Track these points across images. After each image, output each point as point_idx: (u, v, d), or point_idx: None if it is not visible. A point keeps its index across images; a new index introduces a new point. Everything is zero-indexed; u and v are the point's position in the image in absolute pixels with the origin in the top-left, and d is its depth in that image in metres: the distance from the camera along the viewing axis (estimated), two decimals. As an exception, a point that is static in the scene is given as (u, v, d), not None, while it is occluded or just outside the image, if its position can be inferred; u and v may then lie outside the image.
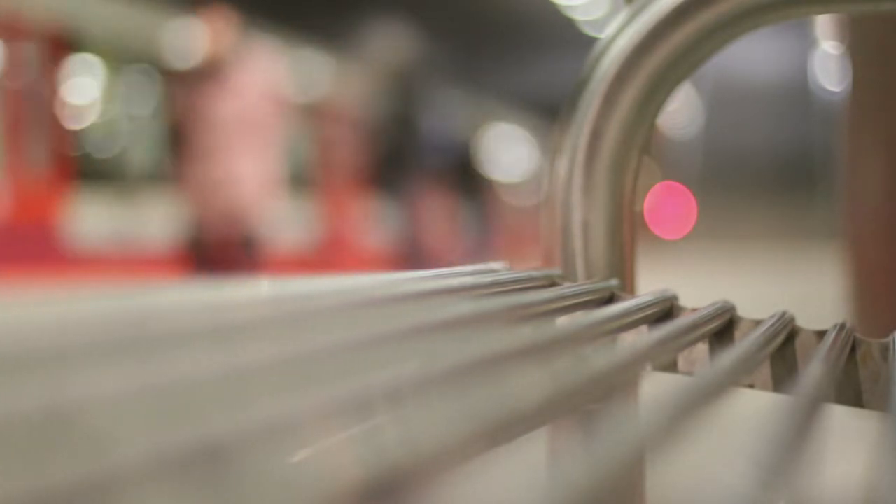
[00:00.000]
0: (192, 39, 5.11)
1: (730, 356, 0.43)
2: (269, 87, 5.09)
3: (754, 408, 0.55)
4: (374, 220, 10.12)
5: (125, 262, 7.77)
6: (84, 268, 7.41)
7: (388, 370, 0.30)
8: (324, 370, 0.29)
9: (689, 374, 0.64)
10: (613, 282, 0.69)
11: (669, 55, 0.72)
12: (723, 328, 0.63)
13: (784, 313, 0.63)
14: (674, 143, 23.00)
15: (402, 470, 0.22)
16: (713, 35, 0.72)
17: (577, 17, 17.32)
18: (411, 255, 7.10)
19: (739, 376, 0.43)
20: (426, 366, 0.31)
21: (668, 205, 22.21)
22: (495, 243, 14.44)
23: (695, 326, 0.54)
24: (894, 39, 3.27)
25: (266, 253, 5.15)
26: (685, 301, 0.65)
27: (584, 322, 0.47)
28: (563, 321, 0.53)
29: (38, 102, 7.31)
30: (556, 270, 0.68)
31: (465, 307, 0.43)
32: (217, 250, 4.89)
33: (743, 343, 0.49)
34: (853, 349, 0.62)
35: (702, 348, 0.64)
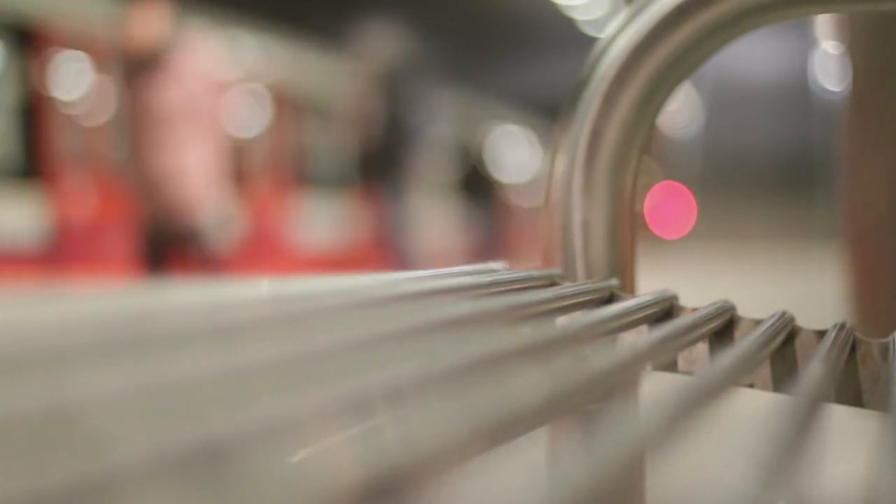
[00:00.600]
0: (129, 26, 4.69)
1: (730, 356, 0.43)
2: (213, 74, 4.81)
3: (754, 408, 0.55)
4: (308, 218, 9.80)
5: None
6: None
7: (388, 370, 0.30)
8: (324, 370, 0.29)
9: (689, 373, 0.64)
10: (613, 282, 0.69)
11: (669, 55, 0.72)
12: (723, 328, 0.63)
13: (784, 313, 0.63)
14: (674, 143, 23.00)
15: (402, 470, 0.22)
16: (713, 35, 0.72)
17: (577, 17, 17.32)
18: (400, 256, 7.08)
19: (739, 376, 0.43)
20: (426, 366, 0.31)
21: (668, 205, 22.21)
22: (505, 243, 14.46)
23: (695, 326, 0.54)
24: (894, 39, 3.27)
25: (217, 247, 4.87)
26: (685, 301, 0.65)
27: (584, 322, 0.47)
28: (563, 321, 0.53)
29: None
30: (556, 270, 0.68)
31: (465, 307, 0.43)
32: (167, 245, 4.66)
33: (743, 343, 0.49)
34: (853, 349, 0.62)
35: (702, 348, 0.64)
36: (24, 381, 0.21)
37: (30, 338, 0.23)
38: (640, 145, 0.74)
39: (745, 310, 0.65)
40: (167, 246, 4.67)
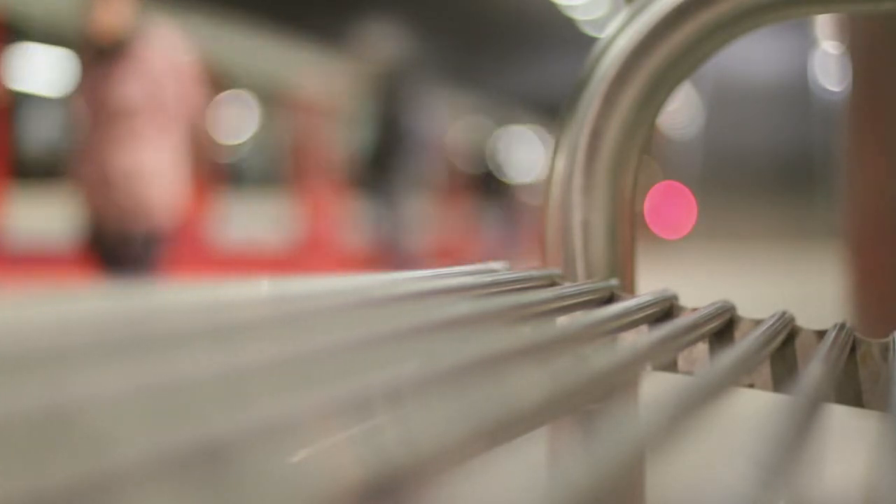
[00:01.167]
0: (90, 14, 4.26)
1: (730, 356, 0.43)
2: (180, 67, 4.35)
3: (754, 408, 0.55)
4: (232, 217, 9.22)
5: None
6: None
7: (388, 370, 0.30)
8: (324, 370, 0.29)
9: (689, 373, 0.64)
10: (613, 281, 0.69)
11: (669, 55, 0.72)
12: (723, 328, 0.63)
13: (784, 313, 0.63)
14: (674, 143, 23.00)
15: (402, 470, 0.22)
16: (713, 35, 0.72)
17: (577, 17, 17.33)
18: (393, 257, 7.06)
19: (739, 376, 0.43)
20: (426, 366, 0.31)
21: (668, 205, 22.20)
22: (518, 240, 14.50)
23: (695, 326, 0.54)
24: (894, 39, 3.28)
25: (172, 251, 4.50)
26: (685, 301, 0.65)
27: (584, 322, 0.47)
28: (563, 321, 0.53)
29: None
30: (556, 270, 0.68)
31: (465, 307, 0.43)
32: (116, 249, 4.22)
33: (743, 343, 0.49)
34: (853, 349, 0.62)
35: (702, 348, 0.64)
36: (24, 381, 0.21)
37: (30, 338, 0.23)
38: (640, 145, 0.74)
39: (746, 310, 0.65)
40: (117, 250, 4.24)
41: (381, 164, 7.10)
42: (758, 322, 0.62)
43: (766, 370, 0.64)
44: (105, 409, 0.21)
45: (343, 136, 10.89)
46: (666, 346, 0.47)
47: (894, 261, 3.29)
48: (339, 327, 0.34)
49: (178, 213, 4.41)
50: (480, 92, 15.69)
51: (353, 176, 8.87)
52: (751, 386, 0.63)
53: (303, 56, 10.89)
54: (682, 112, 22.87)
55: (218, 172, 9.08)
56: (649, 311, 0.59)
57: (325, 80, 10.63)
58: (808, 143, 20.36)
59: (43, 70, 7.19)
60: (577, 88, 0.74)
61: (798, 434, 0.31)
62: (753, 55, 20.73)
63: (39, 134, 7.06)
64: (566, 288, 0.59)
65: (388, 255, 7.07)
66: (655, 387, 0.40)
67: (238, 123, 9.65)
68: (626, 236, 0.74)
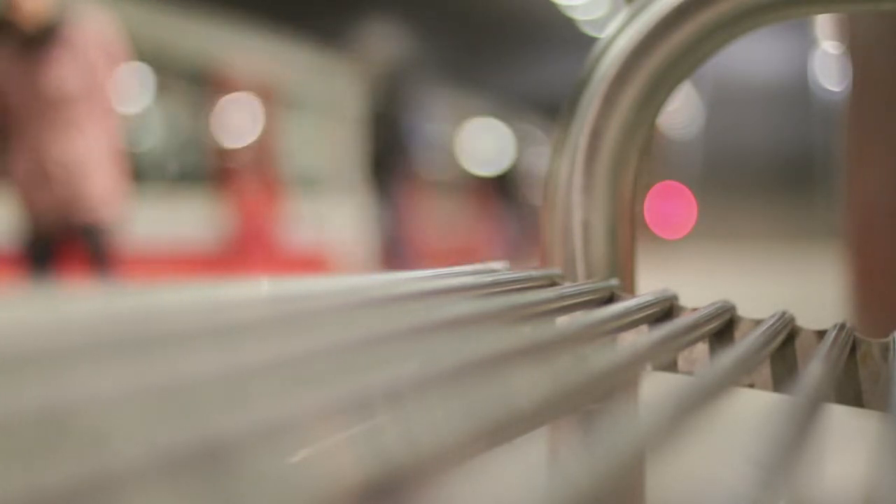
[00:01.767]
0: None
1: (730, 356, 0.43)
2: (113, 51, 4.07)
3: (754, 408, 0.55)
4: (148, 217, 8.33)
5: None
6: None
7: (388, 370, 0.30)
8: (324, 370, 0.29)
9: (689, 373, 0.64)
10: (613, 282, 0.69)
11: (669, 55, 0.72)
12: (723, 328, 0.63)
13: (784, 313, 0.63)
14: (674, 143, 23.00)
15: (402, 470, 0.22)
16: (713, 35, 0.72)
17: (577, 17, 17.33)
18: (393, 255, 7.06)
19: (739, 376, 0.43)
20: (426, 366, 0.31)
21: (668, 205, 22.21)
22: (527, 239, 14.52)
23: (695, 326, 0.54)
24: (894, 39, 3.28)
25: (118, 247, 4.18)
26: (685, 301, 0.65)
27: (584, 322, 0.47)
28: (563, 321, 0.53)
29: None
30: (556, 270, 0.68)
31: (465, 307, 0.43)
32: (55, 245, 3.99)
33: (743, 343, 0.49)
34: (853, 349, 0.62)
35: (702, 348, 0.64)
36: (23, 381, 0.21)
37: (30, 338, 0.23)
38: (640, 145, 0.74)
39: (746, 310, 0.65)
40: (55, 245, 4.00)
41: (381, 165, 7.10)
42: (758, 322, 0.62)
43: (766, 370, 0.64)
44: (105, 409, 0.21)
45: (292, 124, 10.08)
46: (666, 346, 0.47)
47: (894, 261, 3.29)
48: (339, 327, 0.34)
49: (119, 205, 4.14)
50: (484, 93, 15.70)
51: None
52: (751, 386, 0.63)
53: (238, 31, 9.61)
54: (682, 112, 22.88)
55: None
56: (649, 311, 0.59)
57: (268, 60, 9.73)
58: (808, 143, 20.36)
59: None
60: (577, 88, 0.74)
61: (798, 434, 0.31)
62: (753, 55, 20.73)
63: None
64: (566, 288, 0.59)
65: (388, 256, 7.07)
66: (655, 387, 0.40)
67: (144, 104, 8.42)
68: (626, 236, 0.74)
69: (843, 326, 0.62)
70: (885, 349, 0.62)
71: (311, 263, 9.58)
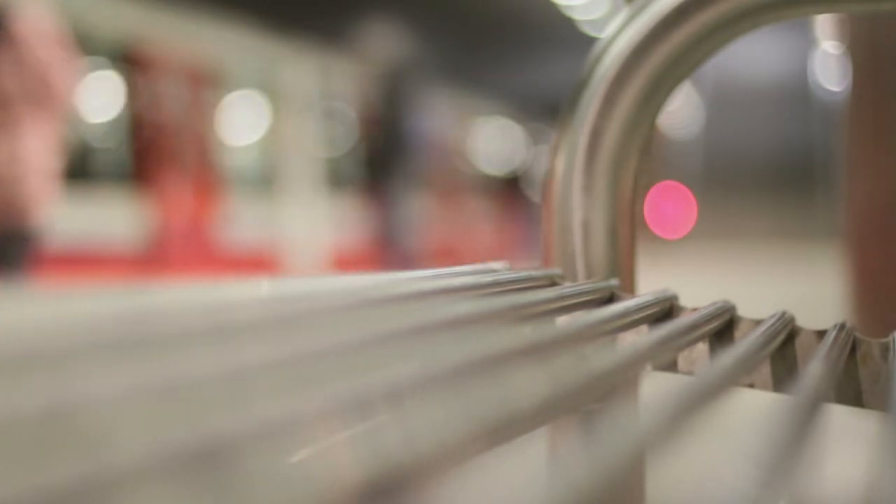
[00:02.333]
0: None
1: (730, 356, 0.43)
2: (56, 50, 3.80)
3: (754, 408, 0.55)
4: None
5: None
6: None
7: (388, 370, 0.30)
8: (324, 370, 0.29)
9: (689, 374, 0.64)
10: (613, 281, 0.69)
11: (669, 55, 0.72)
12: (723, 328, 0.63)
13: (784, 313, 0.63)
14: (674, 143, 23.00)
15: (402, 470, 0.22)
16: (713, 35, 0.72)
17: (577, 17, 17.33)
18: (392, 256, 7.06)
19: (739, 376, 0.43)
20: (426, 366, 0.31)
21: (668, 205, 22.21)
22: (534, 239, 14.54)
23: (695, 326, 0.54)
24: (894, 39, 3.28)
25: (43, 251, 3.95)
26: (685, 301, 0.65)
27: (584, 322, 0.47)
28: (563, 321, 0.53)
29: None
30: (556, 270, 0.68)
31: (465, 307, 0.43)
32: None
33: (743, 343, 0.49)
34: (853, 349, 0.62)
35: (702, 348, 0.64)
36: (24, 381, 0.21)
37: (30, 338, 0.23)
38: (640, 145, 0.74)
39: (746, 310, 0.65)
40: None
41: (381, 165, 7.10)
42: (758, 322, 0.62)
43: (766, 370, 0.64)
44: (105, 409, 0.21)
45: (237, 114, 9.04)
46: (666, 346, 0.47)
47: (894, 261, 3.29)
48: (339, 327, 0.34)
49: (48, 209, 3.87)
50: (491, 93, 15.70)
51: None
52: (751, 386, 0.63)
53: (165, 7, 8.41)
54: (682, 112, 22.88)
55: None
56: (649, 311, 0.59)
57: (207, 41, 8.70)
58: (808, 143, 20.36)
59: None
60: (577, 88, 0.74)
61: (798, 434, 0.31)
62: (753, 55, 20.73)
63: None
64: (566, 288, 0.59)
65: (389, 256, 7.07)
66: (655, 387, 0.40)
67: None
68: (626, 236, 0.74)
69: (843, 326, 0.62)
70: (885, 349, 0.62)
71: (254, 264, 8.75)
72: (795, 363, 0.63)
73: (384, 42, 7.31)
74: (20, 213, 3.74)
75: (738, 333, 0.63)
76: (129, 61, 7.89)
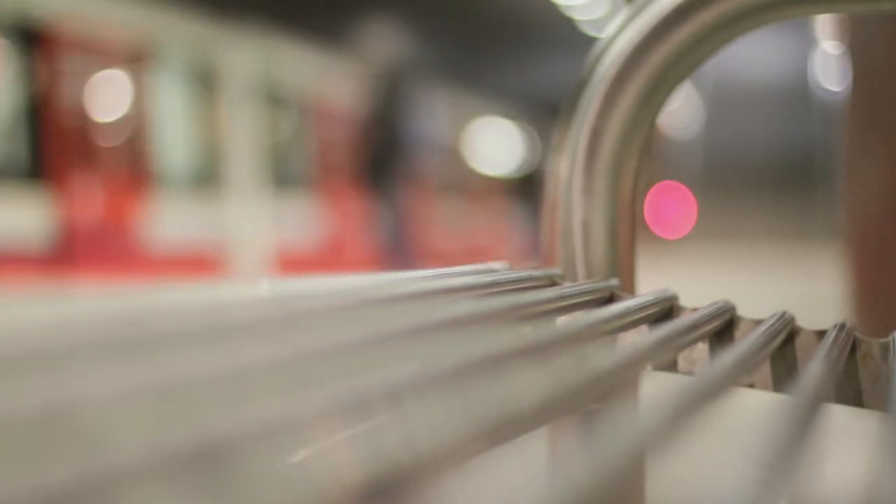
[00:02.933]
0: None
1: (730, 356, 0.43)
2: None
3: (754, 408, 0.55)
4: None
5: None
6: None
7: (388, 370, 0.30)
8: (324, 370, 0.29)
9: (689, 373, 0.64)
10: (613, 281, 0.69)
11: (669, 55, 0.72)
12: (723, 328, 0.63)
13: (784, 313, 0.63)
14: (674, 143, 23.00)
15: (402, 470, 0.22)
16: (713, 35, 0.72)
17: (577, 16, 17.33)
18: (396, 254, 7.06)
19: (739, 376, 0.43)
20: (426, 366, 0.31)
21: (668, 205, 22.21)
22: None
23: (695, 326, 0.54)
24: (894, 39, 3.27)
25: None
26: (685, 301, 0.65)
27: (584, 322, 0.47)
28: (563, 321, 0.53)
29: None
30: (556, 270, 0.68)
31: (465, 307, 0.43)
32: None
33: (743, 343, 0.49)
34: (853, 349, 0.62)
35: (702, 348, 0.64)
36: (23, 382, 0.21)
37: (30, 338, 0.23)
38: (640, 145, 0.74)
39: (746, 310, 0.65)
40: None
41: (380, 165, 7.10)
42: (758, 322, 0.62)
43: (766, 370, 0.64)
44: (105, 409, 0.21)
45: (172, 106, 8.21)
46: (666, 346, 0.47)
47: (894, 261, 3.29)
48: (339, 327, 0.34)
49: None
50: (493, 94, 15.71)
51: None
52: (751, 386, 0.63)
53: None
54: (682, 112, 22.88)
55: None
56: (649, 311, 0.59)
57: (132, 20, 7.75)
58: (808, 143, 20.37)
59: None
60: (577, 88, 0.74)
61: (798, 434, 0.31)
62: (753, 55, 20.73)
63: None
64: (566, 288, 0.59)
65: (390, 256, 7.08)
66: (655, 387, 0.40)
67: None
68: (626, 236, 0.74)
69: (843, 326, 0.62)
70: (885, 349, 0.62)
71: (190, 265, 8.06)
72: (795, 363, 0.63)
73: (384, 42, 7.31)
74: None
75: (738, 333, 0.63)
76: (30, 39, 6.89)
